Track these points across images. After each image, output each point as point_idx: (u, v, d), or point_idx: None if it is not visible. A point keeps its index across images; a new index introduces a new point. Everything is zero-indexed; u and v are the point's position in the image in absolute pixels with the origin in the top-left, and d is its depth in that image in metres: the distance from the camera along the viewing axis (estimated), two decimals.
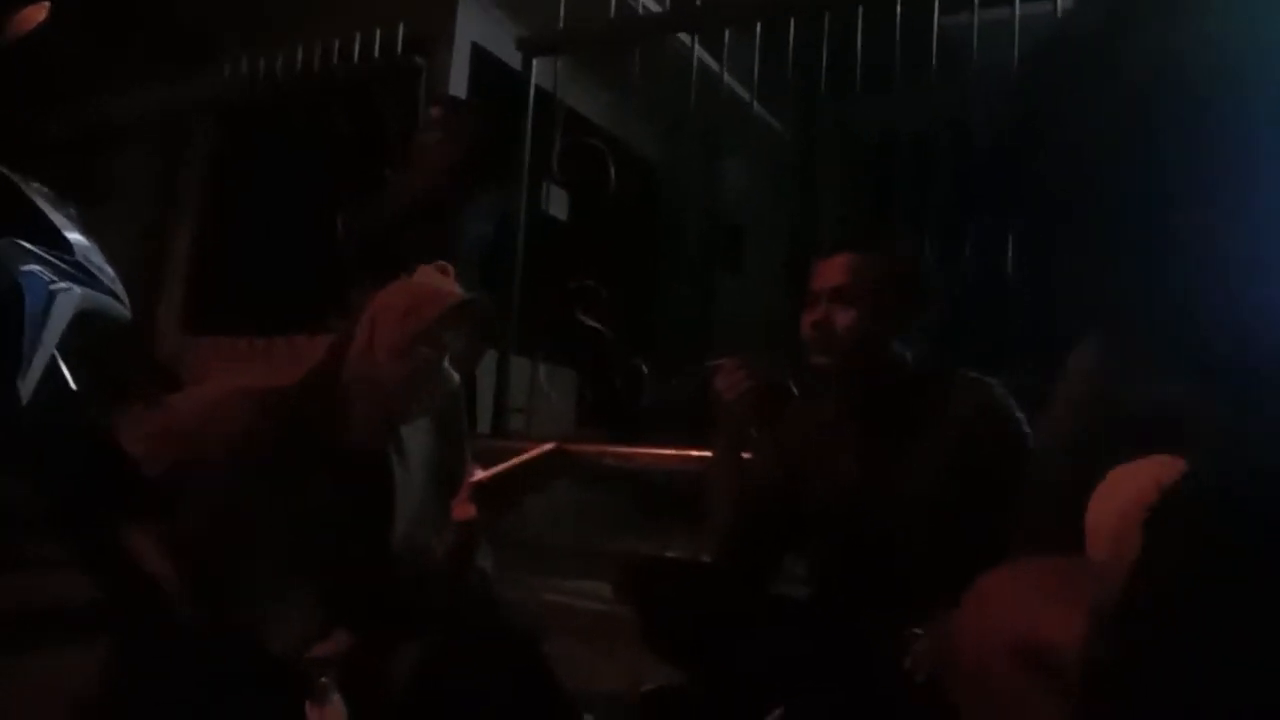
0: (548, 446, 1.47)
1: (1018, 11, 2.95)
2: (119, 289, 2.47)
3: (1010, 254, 2.88)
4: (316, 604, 1.40)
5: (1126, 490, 0.82)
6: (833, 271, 1.66)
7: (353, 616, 1.43)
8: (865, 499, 1.65)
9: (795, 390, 2.05)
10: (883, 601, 1.57)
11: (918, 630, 1.43)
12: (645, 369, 3.38)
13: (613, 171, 3.65)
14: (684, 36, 3.63)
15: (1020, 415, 1.63)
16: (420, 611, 1.51)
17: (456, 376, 1.59)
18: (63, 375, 2.28)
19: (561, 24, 3.70)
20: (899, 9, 3.08)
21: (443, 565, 1.53)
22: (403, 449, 1.55)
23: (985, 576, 0.88)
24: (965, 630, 0.86)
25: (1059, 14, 2.85)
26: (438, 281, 1.57)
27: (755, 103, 3.60)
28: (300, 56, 4.40)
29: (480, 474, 1.46)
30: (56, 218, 2.37)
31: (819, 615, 1.68)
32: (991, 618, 0.82)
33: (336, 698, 1.34)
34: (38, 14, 2.64)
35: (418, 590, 1.52)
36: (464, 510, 1.51)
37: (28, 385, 2.15)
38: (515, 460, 1.49)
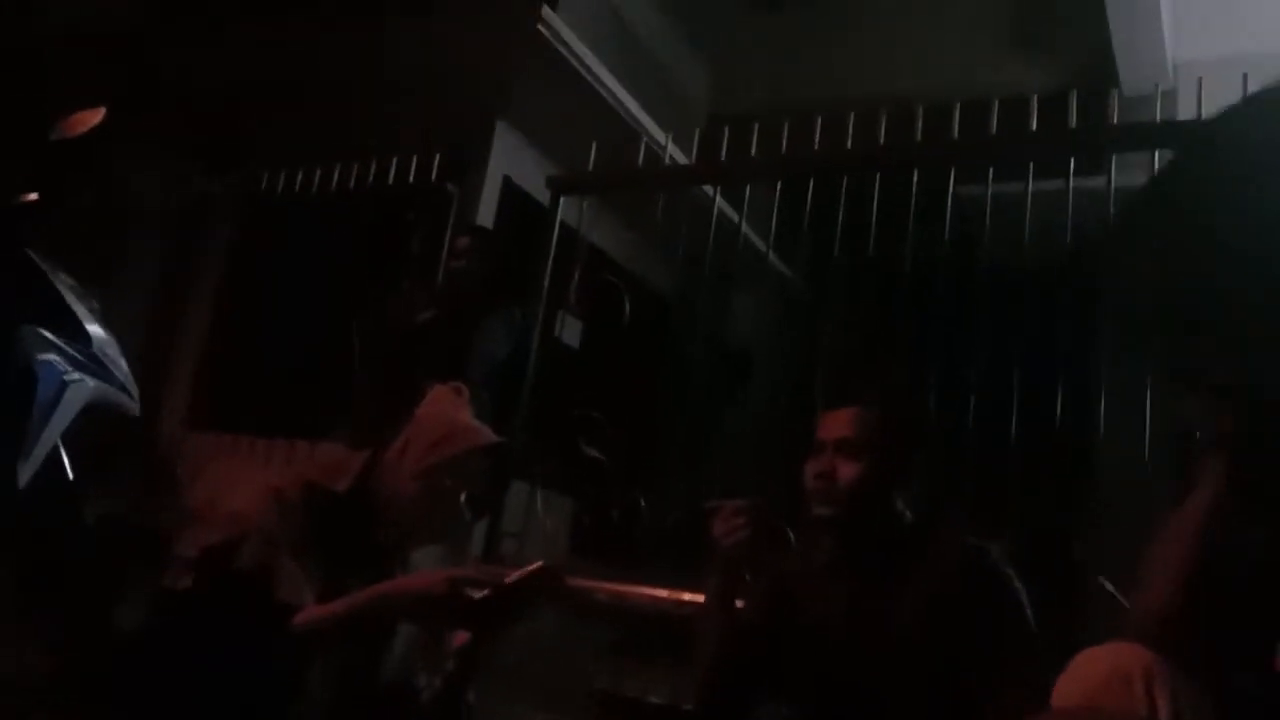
0: (535, 565, 1.46)
1: (1030, 187, 3.06)
2: (131, 385, 2.51)
3: (1015, 413, 2.91)
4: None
5: (1090, 673, 0.82)
6: (839, 424, 1.67)
7: None
8: (856, 651, 1.62)
9: (791, 537, 2.04)
10: None
11: None
12: (643, 503, 3.36)
13: (627, 306, 3.72)
14: (707, 188, 3.77)
15: (1017, 582, 1.61)
16: None
17: (469, 515, 1.61)
18: (62, 463, 2.29)
19: (591, 166, 3.84)
20: (915, 177, 3.21)
21: (439, 694, 1.51)
22: (409, 571, 1.56)
23: None
24: None
25: (1069, 191, 2.96)
26: (467, 417, 1.62)
27: (771, 253, 3.70)
28: (337, 170, 4.57)
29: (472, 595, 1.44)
30: (80, 310, 2.44)
31: None
32: None
33: None
34: (94, 117, 2.77)
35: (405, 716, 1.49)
36: (461, 636, 1.51)
37: (27, 470, 2.16)
38: (504, 581, 1.47)
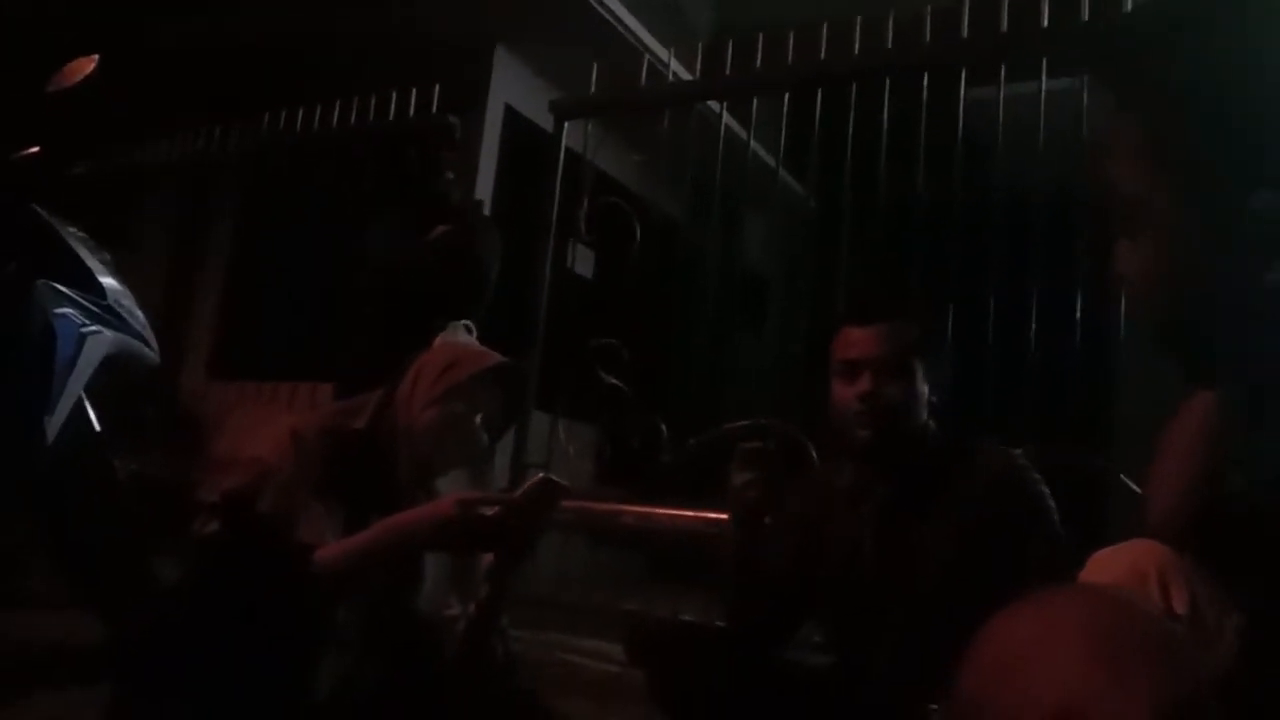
0: (537, 477, 1.48)
1: (1044, 86, 2.98)
2: (149, 334, 2.52)
3: (1033, 323, 2.88)
4: (346, 651, 1.41)
5: (1106, 572, 0.83)
6: (871, 342, 1.64)
7: (375, 668, 1.43)
8: (888, 567, 1.63)
9: (815, 457, 2.04)
10: (902, 670, 1.54)
11: (934, 707, 1.40)
12: (664, 428, 3.38)
13: (638, 232, 3.69)
14: (713, 105, 3.70)
15: (1043, 485, 1.62)
16: (439, 667, 1.51)
17: (486, 438, 1.62)
18: (88, 416, 2.32)
19: (593, 89, 3.77)
20: (926, 80, 3.13)
21: (472, 620, 1.54)
22: None
23: (1008, 619, 0.78)
24: (986, 689, 0.76)
25: (1085, 91, 2.89)
26: (475, 344, 1.62)
27: (781, 169, 3.64)
28: (336, 110, 4.51)
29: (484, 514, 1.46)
30: (92, 262, 2.43)
31: (836, 684, 1.65)
32: (1022, 681, 0.72)
33: None
34: (86, 65, 2.73)
35: (439, 645, 1.52)
36: (488, 561, 1.54)
37: (54, 424, 2.18)
38: (507, 496, 1.50)
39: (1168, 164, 0.83)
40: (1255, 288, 0.77)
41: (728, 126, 3.57)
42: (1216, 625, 0.77)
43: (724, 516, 1.89)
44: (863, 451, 1.67)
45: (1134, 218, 0.87)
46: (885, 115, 3.19)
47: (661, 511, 3.15)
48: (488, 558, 1.56)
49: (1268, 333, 0.79)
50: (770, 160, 3.61)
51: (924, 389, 1.65)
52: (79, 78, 2.78)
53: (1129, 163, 0.86)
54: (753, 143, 3.55)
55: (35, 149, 2.78)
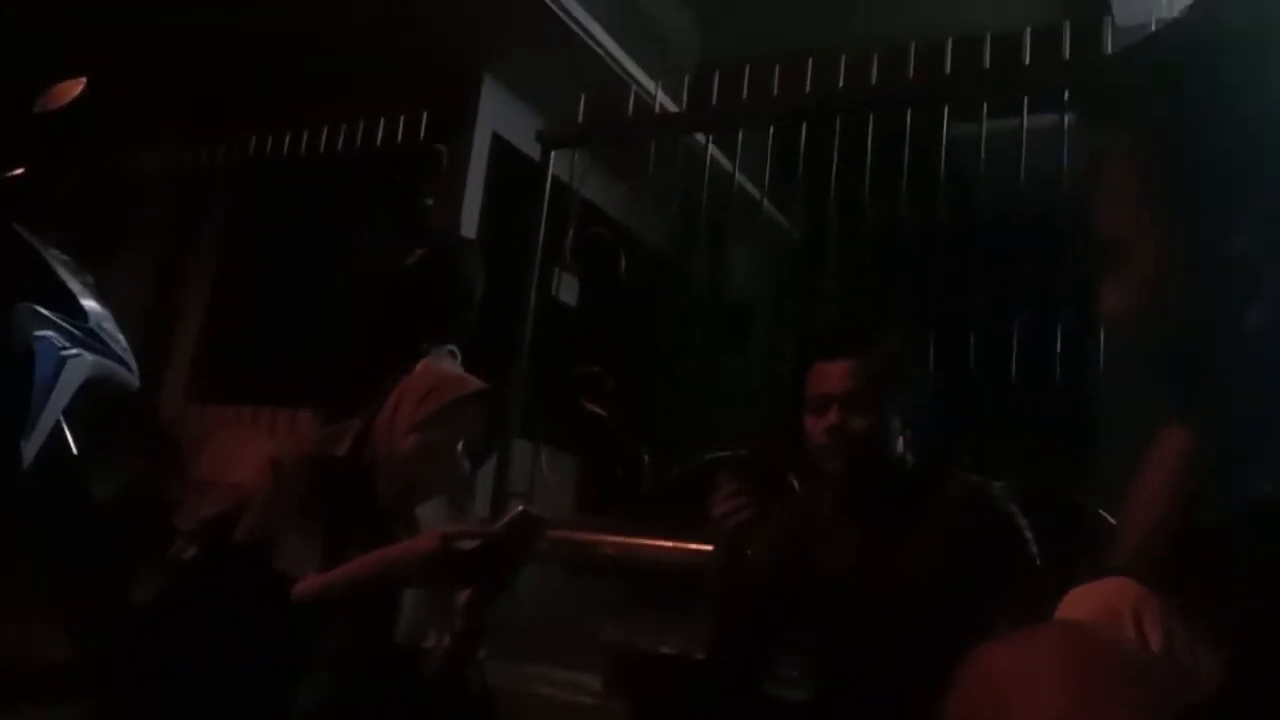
0: (516, 511, 1.47)
1: (1025, 123, 3.03)
2: (129, 357, 2.50)
3: (1015, 354, 2.91)
4: (322, 681, 1.39)
5: (1081, 610, 0.83)
6: (839, 376, 1.66)
7: (350, 699, 1.42)
8: (864, 599, 1.63)
9: (796, 486, 2.04)
10: (880, 700, 1.54)
11: None
12: (647, 457, 3.37)
13: (623, 261, 3.71)
14: (699, 135, 3.73)
15: (1019, 516, 1.63)
16: (415, 697, 1.49)
17: (468, 465, 1.61)
18: (65, 439, 2.30)
19: (581, 119, 3.80)
20: (909, 117, 3.17)
21: (449, 652, 1.52)
22: (416, 531, 1.56)
23: (986, 656, 0.78)
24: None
25: (1065, 128, 2.93)
26: (457, 370, 1.62)
27: (765, 200, 3.67)
28: (323, 136, 4.52)
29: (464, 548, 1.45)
30: (74, 285, 2.42)
31: (815, 714, 1.64)
32: (1005, 710, 0.72)
33: None
34: (74, 88, 2.74)
35: (414, 677, 1.50)
36: (466, 594, 1.53)
37: (31, 447, 2.16)
38: (486, 530, 1.49)
39: (1148, 205, 0.84)
40: (1233, 329, 0.78)
41: (713, 157, 3.60)
42: (1190, 662, 0.77)
43: (706, 547, 1.89)
44: (834, 484, 1.69)
45: (1116, 256, 0.89)
46: (869, 149, 3.23)
47: (643, 542, 3.13)
48: (466, 590, 1.54)
49: (1243, 372, 0.80)
50: (755, 191, 3.63)
51: (894, 421, 1.66)
52: (66, 100, 2.78)
53: (1111, 203, 0.87)
54: (738, 174, 3.58)
55: (20, 170, 2.77)
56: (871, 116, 3.24)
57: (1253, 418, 0.83)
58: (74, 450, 2.30)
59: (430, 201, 3.40)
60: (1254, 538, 0.77)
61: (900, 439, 1.68)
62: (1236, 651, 0.76)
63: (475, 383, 1.61)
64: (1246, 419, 0.84)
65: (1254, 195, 0.80)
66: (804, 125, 3.38)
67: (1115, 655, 0.72)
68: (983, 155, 3.10)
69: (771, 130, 3.48)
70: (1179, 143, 0.85)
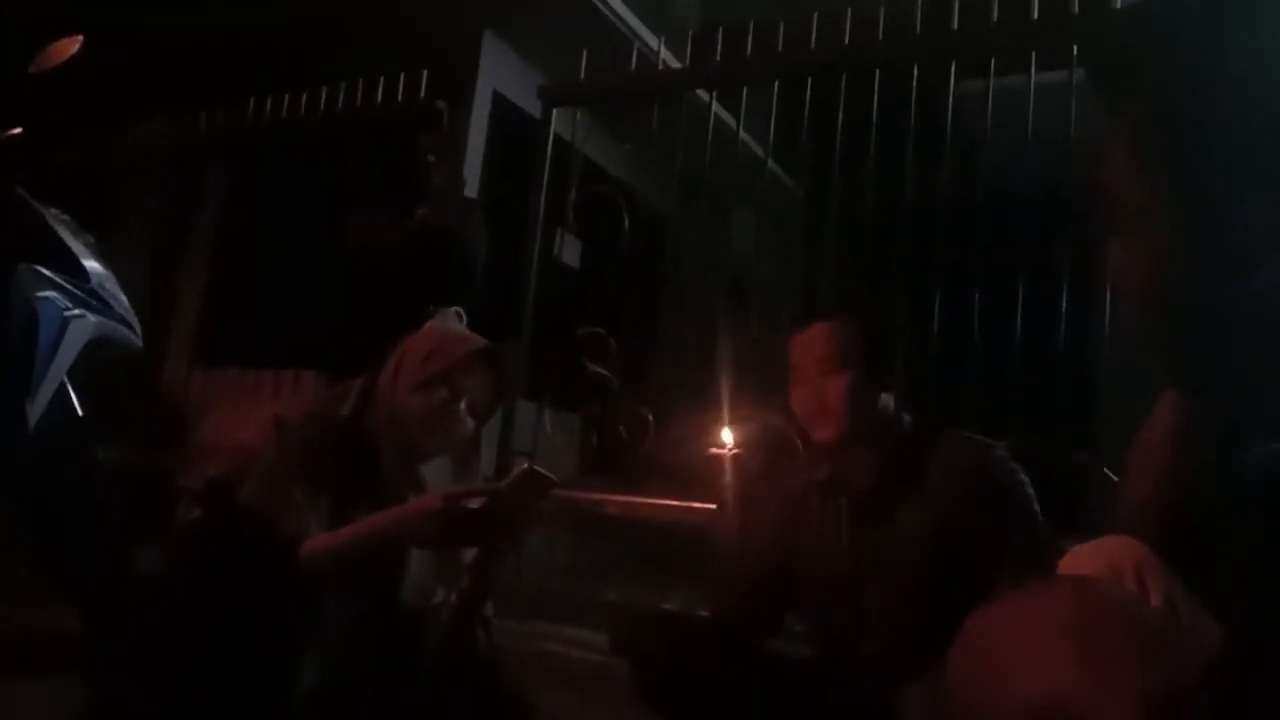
0: (522, 468, 1.48)
1: (1033, 80, 2.99)
2: (132, 318, 2.49)
3: (1019, 318, 2.90)
4: (331, 640, 1.40)
5: (1082, 568, 0.83)
6: (813, 343, 1.66)
7: (359, 656, 1.43)
8: (864, 558, 1.64)
9: (799, 446, 2.05)
10: (881, 661, 1.55)
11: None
12: (651, 417, 3.38)
13: (626, 221, 3.68)
14: (702, 93, 3.69)
15: (1020, 474, 1.63)
16: (423, 655, 1.51)
17: (471, 423, 1.61)
18: (70, 400, 2.30)
19: (582, 76, 3.76)
20: (915, 73, 3.13)
21: (455, 610, 1.54)
22: (422, 490, 1.57)
23: (989, 614, 0.77)
24: (970, 686, 0.75)
25: (1074, 85, 2.89)
26: (459, 329, 1.62)
27: (770, 159, 3.64)
28: (323, 96, 4.48)
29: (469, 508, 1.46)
30: (75, 245, 2.41)
31: (817, 674, 1.66)
32: (1006, 676, 0.71)
33: None
34: (71, 46, 2.70)
35: (422, 635, 1.52)
36: (471, 552, 1.54)
37: (35, 409, 2.16)
38: (492, 487, 1.50)
39: (1157, 166, 0.83)
40: (1239, 294, 0.77)
41: (717, 116, 3.56)
42: (1192, 621, 0.77)
43: (709, 506, 1.90)
44: (823, 450, 1.69)
45: (1122, 219, 0.87)
46: (875, 106, 3.19)
47: (647, 501, 3.15)
48: (472, 549, 1.56)
49: (1247, 339, 0.79)
50: (759, 150, 3.60)
51: (873, 380, 1.66)
52: (63, 59, 2.75)
53: (1118, 164, 0.86)
54: (742, 132, 3.54)
55: (17, 130, 2.75)
56: (878, 73, 3.20)
57: (1256, 385, 0.82)
58: (79, 411, 2.30)
59: (432, 158, 3.36)
60: (1253, 504, 0.77)
61: (884, 398, 1.68)
62: (1237, 616, 0.76)
63: (477, 341, 1.61)
64: (1249, 385, 0.83)
65: (1264, 157, 0.78)
66: (809, 82, 3.34)
67: (1118, 610, 0.72)
68: (990, 112, 3.06)
69: (776, 87, 3.44)
70: (1187, 103, 0.83)
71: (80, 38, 2.72)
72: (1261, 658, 0.62)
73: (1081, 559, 0.87)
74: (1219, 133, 0.81)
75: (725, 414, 1.79)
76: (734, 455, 1.68)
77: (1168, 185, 0.81)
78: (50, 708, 1.40)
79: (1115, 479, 2.44)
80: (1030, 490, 1.62)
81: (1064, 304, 2.82)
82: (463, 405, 1.57)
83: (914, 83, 3.14)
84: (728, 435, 1.72)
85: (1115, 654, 0.67)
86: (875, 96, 3.19)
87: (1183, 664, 0.66)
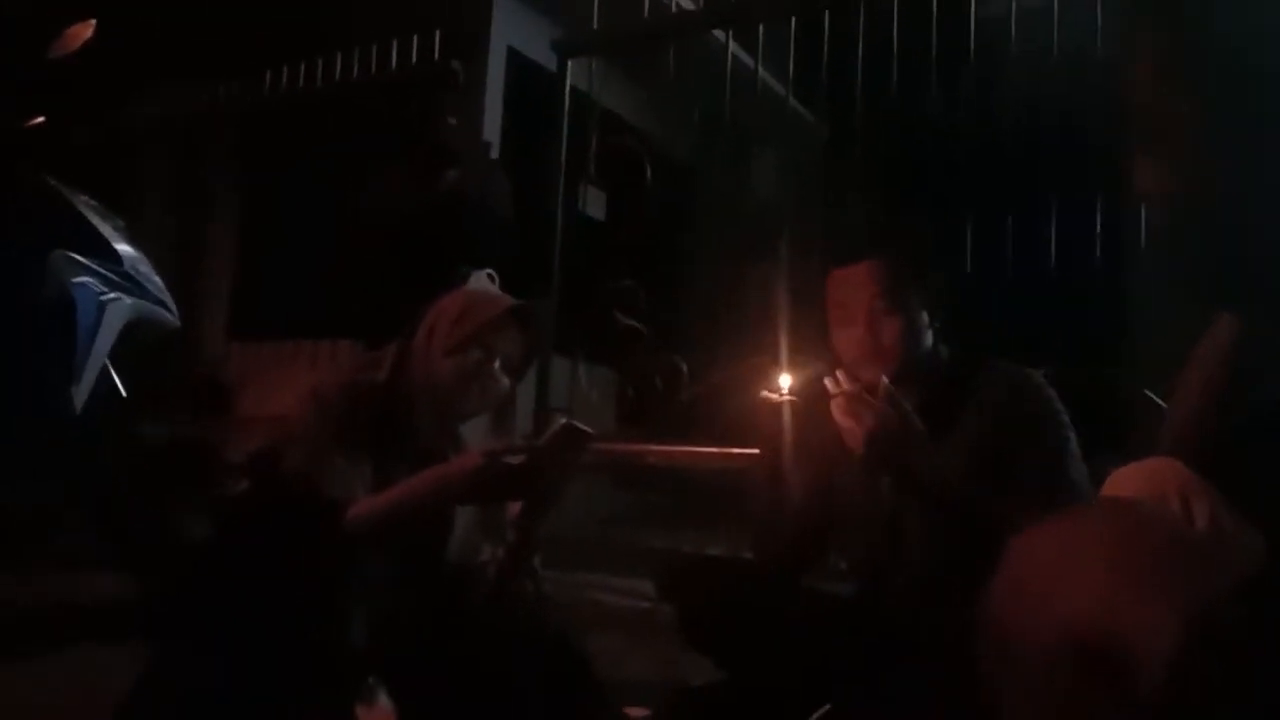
0: (560, 423, 1.49)
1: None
2: (167, 298, 2.54)
3: (1053, 242, 2.84)
4: (379, 600, 1.43)
5: (1125, 490, 0.83)
6: (860, 281, 1.63)
7: (408, 615, 1.46)
8: (913, 497, 1.63)
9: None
10: (924, 593, 1.56)
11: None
12: (685, 367, 3.38)
13: (648, 170, 3.65)
14: (718, 33, 3.62)
15: (1056, 400, 1.61)
16: (471, 610, 1.54)
17: (506, 381, 1.62)
18: (114, 383, 2.35)
19: (595, 24, 3.71)
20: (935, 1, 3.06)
21: (502, 565, 1.56)
22: (462, 451, 1.58)
23: (1031, 539, 0.76)
24: (1014, 609, 0.75)
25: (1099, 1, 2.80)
26: (490, 289, 1.62)
27: (790, 96, 3.57)
28: (339, 61, 4.46)
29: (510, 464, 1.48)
30: (105, 229, 2.44)
31: (864, 611, 1.67)
32: (1051, 599, 0.71)
33: (383, 697, 1.36)
34: (85, 31, 2.71)
35: (470, 591, 1.55)
36: (515, 507, 1.56)
37: (81, 392, 2.21)
38: (532, 445, 1.51)
39: (1189, 73, 0.80)
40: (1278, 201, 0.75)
41: (734, 55, 3.50)
42: (1237, 538, 0.77)
43: (749, 452, 1.90)
44: (871, 389, 1.67)
45: (1154, 131, 0.85)
46: (895, 34, 3.12)
47: (686, 450, 3.16)
48: (515, 504, 1.57)
49: None
50: (779, 88, 3.54)
51: (922, 317, 1.63)
52: (78, 44, 2.76)
53: (1148, 74, 0.84)
54: (760, 70, 3.48)
55: (41, 119, 2.77)
56: (897, 1, 3.12)
57: None
58: (123, 393, 2.35)
59: (454, 121, 3.35)
60: None
61: (929, 334, 1.66)
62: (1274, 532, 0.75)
63: (507, 299, 1.61)
64: None
65: None
66: (826, 14, 3.26)
67: (1162, 531, 0.72)
68: (1013, 33, 2.98)
69: (793, 22, 3.37)
70: (1221, 8, 0.80)
71: (93, 22, 2.73)
72: None
73: (1124, 482, 0.87)
74: (1256, 38, 0.78)
75: (776, 358, 1.77)
76: (786, 400, 1.66)
77: (1202, 90, 0.79)
78: (101, 675, 1.45)
79: (1157, 401, 2.41)
80: (1066, 417, 1.61)
81: (1098, 226, 2.77)
82: (497, 364, 1.58)
83: (934, 7, 3.06)
84: (781, 379, 1.70)
85: (1159, 574, 0.66)
86: (895, 24, 3.11)
87: (1227, 582, 0.65)
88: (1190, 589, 0.65)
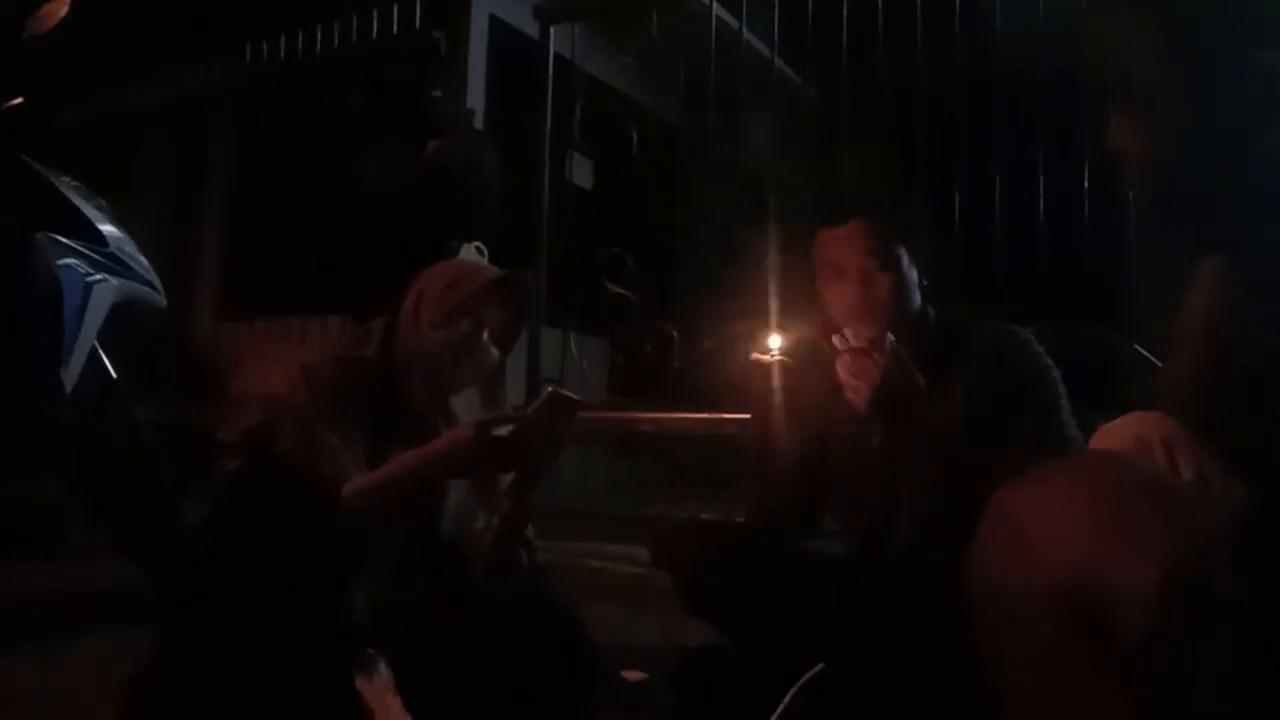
0: (548, 391, 1.50)
1: None
2: (154, 278, 2.52)
3: (1042, 200, 2.84)
4: (377, 573, 1.44)
5: (1111, 443, 0.83)
6: (852, 240, 1.63)
7: (406, 587, 1.47)
8: (906, 454, 1.64)
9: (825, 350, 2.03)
10: (917, 549, 1.57)
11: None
12: (676, 334, 3.38)
13: (634, 137, 3.62)
14: None
15: (1044, 356, 1.62)
16: (468, 580, 1.55)
17: (496, 352, 1.62)
18: (104, 364, 2.34)
19: None
20: None
21: (495, 535, 1.57)
22: (453, 423, 1.59)
23: (1017, 490, 0.76)
24: (1000, 559, 0.75)
25: None
26: (477, 260, 1.62)
27: (777, 58, 3.54)
28: (319, 35, 4.41)
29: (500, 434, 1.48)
30: (89, 211, 2.42)
31: (856, 571, 1.69)
32: (1037, 548, 0.71)
33: (383, 667, 1.38)
34: (60, 9, 2.67)
35: (467, 560, 1.56)
36: (509, 476, 1.57)
37: (70, 375, 2.20)
38: (521, 415, 1.52)
39: (1158, 26, 0.80)
40: (1252, 151, 0.75)
41: (719, 19, 3.47)
42: (1222, 489, 0.77)
43: (741, 417, 1.90)
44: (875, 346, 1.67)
45: (1126, 88, 0.85)
46: None
47: (679, 417, 3.17)
48: (509, 474, 1.58)
49: (1266, 198, 0.77)
50: (765, 50, 3.51)
51: (911, 275, 1.64)
52: (54, 22, 2.72)
53: (1118, 29, 0.83)
54: (746, 33, 3.45)
55: (19, 100, 2.73)
56: None
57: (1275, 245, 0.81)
58: (114, 374, 2.34)
59: (438, 93, 3.32)
60: None
61: (918, 293, 1.66)
62: (1270, 479, 0.76)
63: (493, 270, 1.61)
64: (1270, 248, 0.82)
65: (1267, 8, 0.75)
66: None
67: (1146, 481, 0.72)
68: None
69: None
70: None
71: (66, 1, 2.68)
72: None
73: (1110, 436, 0.87)
74: None
75: (766, 321, 1.77)
76: (778, 361, 1.67)
77: (1171, 44, 0.79)
78: (110, 661, 1.46)
79: (1147, 355, 2.42)
80: (1056, 374, 1.62)
81: (1085, 183, 2.76)
82: (485, 335, 1.58)
83: None
84: (772, 340, 1.70)
85: (1143, 524, 0.67)
86: None
87: (1211, 530, 0.66)
88: (1174, 538, 0.66)
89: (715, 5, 3.48)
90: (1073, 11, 2.72)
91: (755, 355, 1.69)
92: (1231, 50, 0.75)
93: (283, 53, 4.55)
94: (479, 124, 4.13)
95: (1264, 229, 0.79)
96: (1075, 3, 2.72)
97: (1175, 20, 0.79)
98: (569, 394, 1.50)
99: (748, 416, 1.84)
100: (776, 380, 1.67)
